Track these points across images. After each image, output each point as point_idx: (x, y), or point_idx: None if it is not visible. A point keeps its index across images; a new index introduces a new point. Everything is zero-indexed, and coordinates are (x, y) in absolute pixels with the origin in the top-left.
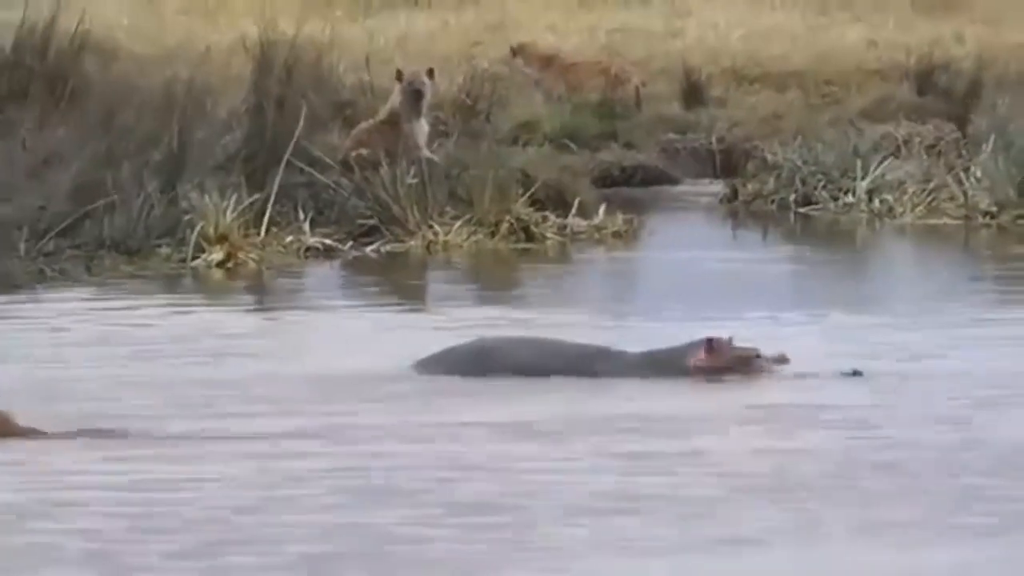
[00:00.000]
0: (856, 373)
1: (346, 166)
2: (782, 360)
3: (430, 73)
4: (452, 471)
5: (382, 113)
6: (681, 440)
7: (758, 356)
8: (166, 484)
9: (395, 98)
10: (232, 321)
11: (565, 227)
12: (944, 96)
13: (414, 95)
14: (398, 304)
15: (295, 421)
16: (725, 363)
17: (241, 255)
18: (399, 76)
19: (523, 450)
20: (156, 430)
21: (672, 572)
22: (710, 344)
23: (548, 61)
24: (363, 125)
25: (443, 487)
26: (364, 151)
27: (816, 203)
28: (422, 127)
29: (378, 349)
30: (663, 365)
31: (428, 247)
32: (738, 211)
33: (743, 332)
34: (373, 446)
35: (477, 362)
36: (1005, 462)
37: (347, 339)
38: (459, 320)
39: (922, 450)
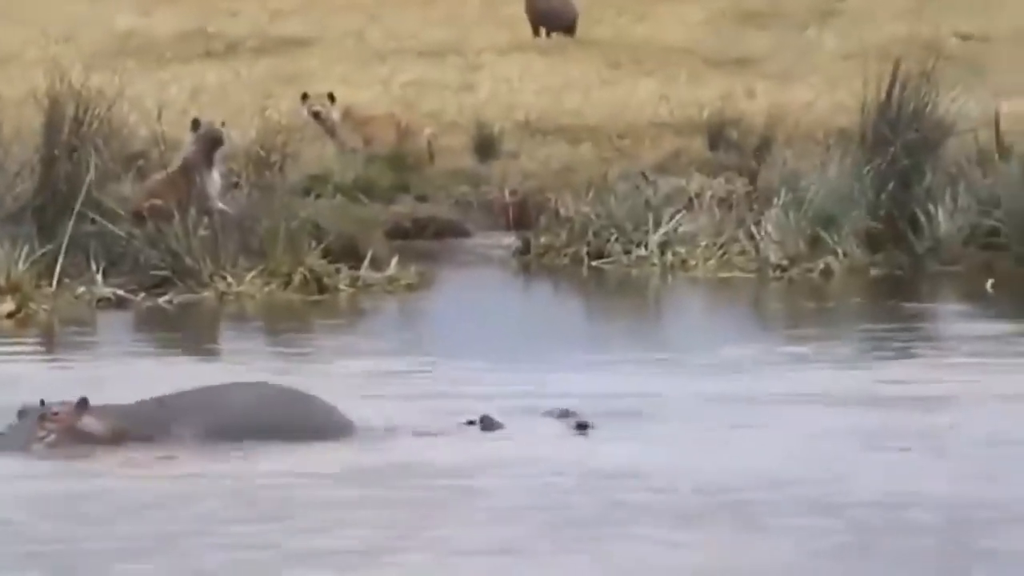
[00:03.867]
0: (581, 426)
1: (138, 217)
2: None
3: (221, 125)
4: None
5: (175, 163)
6: None
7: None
8: None
9: (188, 148)
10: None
11: (358, 279)
12: (735, 150)
13: (211, 143)
14: (177, 353)
15: None
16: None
17: (32, 305)
18: (195, 125)
19: None
20: None
21: None
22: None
23: (343, 115)
24: (156, 176)
25: None
26: (157, 202)
27: (608, 256)
28: (213, 178)
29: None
30: None
31: (221, 298)
32: (530, 264)
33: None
34: None
35: None
36: None
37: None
38: (230, 369)
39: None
